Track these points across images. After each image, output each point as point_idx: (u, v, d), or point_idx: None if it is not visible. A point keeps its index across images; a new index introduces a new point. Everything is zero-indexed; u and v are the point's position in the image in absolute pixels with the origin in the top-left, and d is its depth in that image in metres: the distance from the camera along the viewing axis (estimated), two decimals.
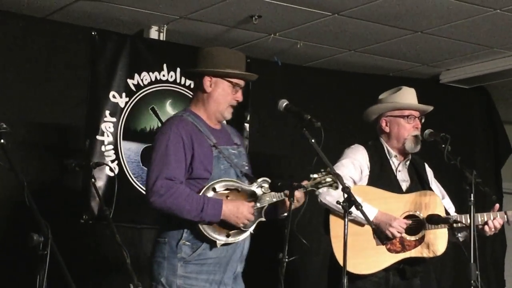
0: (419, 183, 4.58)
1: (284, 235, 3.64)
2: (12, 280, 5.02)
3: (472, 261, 4.08)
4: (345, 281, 3.66)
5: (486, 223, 4.41)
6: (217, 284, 3.86)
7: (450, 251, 4.74)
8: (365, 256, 4.30)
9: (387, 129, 4.59)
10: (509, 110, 7.59)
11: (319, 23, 5.71)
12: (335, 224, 4.34)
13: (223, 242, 3.81)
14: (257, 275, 4.21)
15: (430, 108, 4.61)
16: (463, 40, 6.07)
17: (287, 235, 3.68)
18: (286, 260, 3.68)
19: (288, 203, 3.75)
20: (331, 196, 4.22)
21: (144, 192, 5.60)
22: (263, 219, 3.89)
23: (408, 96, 4.60)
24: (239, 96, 4.00)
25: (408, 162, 4.60)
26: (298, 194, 3.80)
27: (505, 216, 4.46)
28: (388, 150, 4.57)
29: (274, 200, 3.89)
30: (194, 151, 3.84)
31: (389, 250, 4.38)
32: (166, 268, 3.80)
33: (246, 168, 4.04)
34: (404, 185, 4.55)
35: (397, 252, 4.38)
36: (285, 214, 3.94)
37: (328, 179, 3.91)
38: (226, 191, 3.86)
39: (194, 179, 3.85)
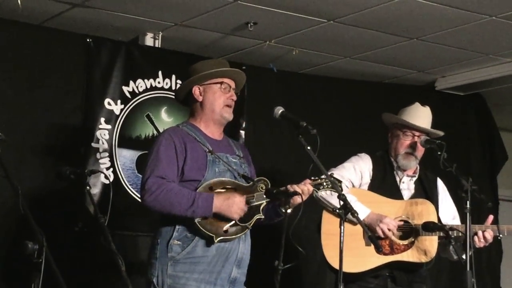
0: (424, 197, 4.57)
1: (280, 242, 3.63)
2: None
3: (468, 269, 4.08)
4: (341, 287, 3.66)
5: (476, 234, 4.39)
6: (209, 284, 3.84)
7: (446, 258, 4.73)
8: (353, 255, 4.29)
9: (390, 140, 4.61)
10: (505, 117, 7.60)
11: (315, 30, 5.71)
12: (327, 221, 4.35)
13: (220, 238, 3.80)
14: (253, 283, 4.19)
15: (428, 129, 4.59)
16: (458, 47, 6.08)
17: (283, 242, 3.68)
18: (282, 267, 3.69)
19: (297, 200, 3.78)
20: (327, 193, 4.23)
21: (139, 200, 5.64)
22: (261, 215, 3.88)
23: (412, 113, 4.59)
24: (232, 95, 4.06)
25: (415, 178, 4.60)
26: (305, 187, 3.79)
27: (497, 229, 4.45)
28: (391, 162, 4.58)
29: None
30: (186, 154, 3.91)
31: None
32: (158, 268, 3.85)
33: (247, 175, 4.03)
34: (406, 195, 4.55)
35: (385, 254, 4.38)
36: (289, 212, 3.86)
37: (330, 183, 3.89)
38: (223, 190, 3.88)
39: (186, 181, 3.90)
